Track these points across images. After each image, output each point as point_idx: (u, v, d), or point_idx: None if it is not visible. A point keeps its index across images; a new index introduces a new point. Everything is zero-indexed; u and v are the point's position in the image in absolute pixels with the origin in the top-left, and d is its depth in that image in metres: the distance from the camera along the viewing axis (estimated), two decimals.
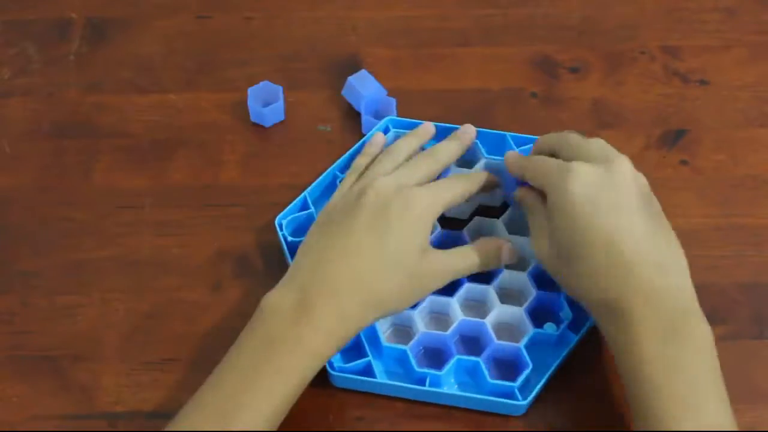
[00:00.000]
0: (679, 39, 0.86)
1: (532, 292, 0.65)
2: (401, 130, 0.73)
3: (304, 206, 0.71)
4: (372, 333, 0.64)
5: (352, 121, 0.78)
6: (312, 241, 0.62)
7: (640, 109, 0.80)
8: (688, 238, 0.70)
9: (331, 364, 0.62)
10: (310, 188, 0.71)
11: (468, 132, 0.70)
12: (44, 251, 0.71)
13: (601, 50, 0.84)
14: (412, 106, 0.77)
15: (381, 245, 0.60)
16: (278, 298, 0.59)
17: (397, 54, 0.84)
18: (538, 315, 0.65)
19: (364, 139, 0.74)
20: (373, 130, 0.74)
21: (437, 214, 0.63)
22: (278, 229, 0.69)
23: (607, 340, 0.59)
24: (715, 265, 0.70)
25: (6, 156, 0.77)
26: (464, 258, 0.64)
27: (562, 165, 0.61)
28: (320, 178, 0.72)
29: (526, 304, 0.65)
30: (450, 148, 0.68)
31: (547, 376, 0.62)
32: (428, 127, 0.71)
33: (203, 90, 0.81)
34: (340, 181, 0.69)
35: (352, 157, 0.72)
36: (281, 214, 0.69)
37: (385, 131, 0.74)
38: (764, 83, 0.82)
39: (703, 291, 0.68)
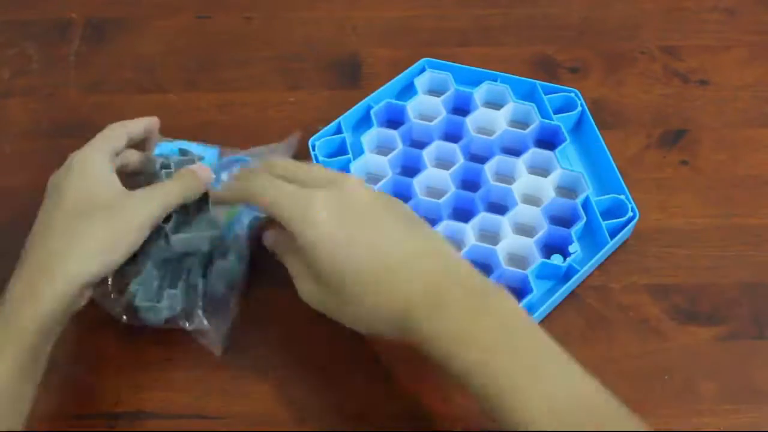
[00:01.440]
0: (679, 39, 0.86)
1: (545, 226, 0.68)
2: (436, 71, 0.78)
3: (338, 131, 0.75)
4: None
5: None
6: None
7: (640, 109, 0.80)
8: (688, 238, 0.71)
9: None
10: (344, 115, 0.75)
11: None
12: None
13: (601, 50, 0.84)
14: None
15: (60, 203, 0.60)
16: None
17: (397, 54, 0.84)
18: (548, 249, 0.69)
19: (399, 78, 0.78)
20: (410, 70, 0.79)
21: (110, 157, 0.63)
22: (311, 149, 0.72)
23: (419, 347, 0.55)
24: (715, 265, 0.70)
25: (6, 156, 0.77)
26: (165, 195, 0.62)
27: (298, 197, 0.58)
28: (355, 106, 0.75)
29: (536, 237, 0.68)
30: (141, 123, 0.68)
31: (548, 303, 0.66)
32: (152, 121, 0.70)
33: (203, 90, 0.81)
34: (372, 112, 0.75)
35: (387, 91, 0.77)
36: (315, 135, 0.73)
37: (421, 71, 0.79)
38: (764, 83, 0.82)
39: (703, 291, 0.68)
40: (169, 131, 0.78)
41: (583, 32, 0.86)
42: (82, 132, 0.78)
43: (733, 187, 0.75)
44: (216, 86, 0.82)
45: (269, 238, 0.63)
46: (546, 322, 0.67)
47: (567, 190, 0.72)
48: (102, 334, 0.66)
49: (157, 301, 0.62)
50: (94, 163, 0.62)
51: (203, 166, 0.65)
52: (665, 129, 0.79)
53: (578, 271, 0.67)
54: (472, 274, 0.56)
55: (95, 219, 0.58)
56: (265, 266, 0.67)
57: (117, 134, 0.65)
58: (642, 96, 0.81)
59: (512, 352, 0.52)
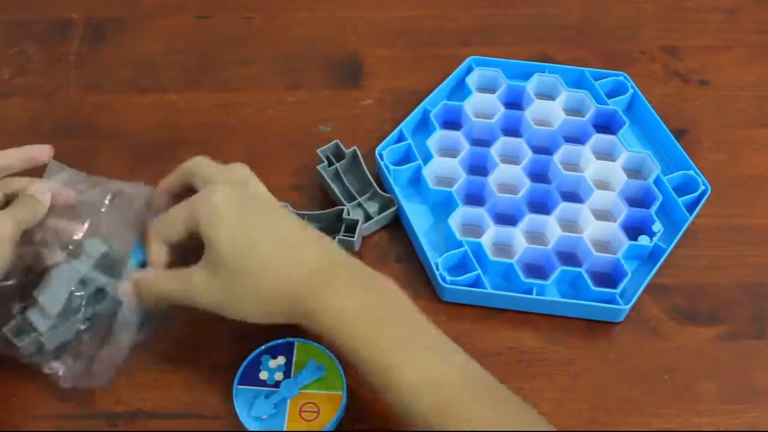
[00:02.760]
0: (679, 39, 0.86)
1: (624, 209, 0.69)
2: (485, 68, 0.79)
3: (400, 138, 0.75)
4: (478, 250, 0.68)
5: (353, 121, 0.78)
6: None
7: None
8: (688, 238, 0.71)
9: (443, 277, 0.67)
10: (405, 122, 0.75)
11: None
12: None
13: (601, 50, 0.84)
14: (412, 107, 0.77)
15: None
16: None
17: (397, 54, 0.84)
18: (629, 231, 0.69)
19: (449, 80, 0.79)
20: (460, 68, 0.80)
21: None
22: (379, 158, 0.73)
23: (309, 325, 0.58)
24: (715, 265, 0.70)
25: None
26: (14, 216, 0.62)
27: (207, 187, 0.61)
28: (413, 113, 0.76)
29: (619, 220, 0.69)
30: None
31: (645, 283, 0.67)
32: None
33: (203, 90, 0.81)
34: (432, 115, 0.76)
35: (440, 93, 0.78)
36: (381, 145, 0.73)
37: (469, 70, 0.80)
38: (764, 83, 0.82)
39: (703, 291, 0.68)
40: (169, 131, 0.78)
41: (583, 32, 0.86)
42: (82, 132, 0.79)
43: (733, 187, 0.75)
44: (216, 86, 0.82)
45: (131, 282, 0.62)
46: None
47: (635, 171, 0.73)
48: None
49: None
50: None
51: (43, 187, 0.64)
52: None
53: (665, 249, 0.68)
54: (355, 260, 0.60)
55: None
56: None
57: None
58: (642, 96, 0.81)
59: (395, 327, 0.57)
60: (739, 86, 0.82)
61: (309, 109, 0.80)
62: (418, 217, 0.71)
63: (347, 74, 0.82)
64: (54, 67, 0.83)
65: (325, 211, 0.70)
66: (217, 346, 0.65)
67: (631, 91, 0.78)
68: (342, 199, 0.71)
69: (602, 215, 0.70)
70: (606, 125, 0.76)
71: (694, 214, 0.71)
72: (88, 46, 0.85)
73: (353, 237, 0.68)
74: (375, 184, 0.72)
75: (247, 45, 0.85)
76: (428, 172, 0.72)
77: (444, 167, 0.73)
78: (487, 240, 0.68)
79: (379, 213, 0.71)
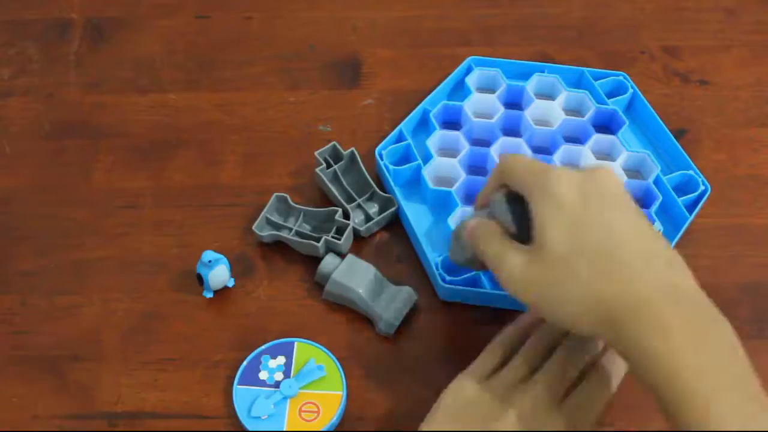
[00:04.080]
0: (679, 39, 0.86)
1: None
2: (485, 68, 0.79)
3: (400, 138, 0.75)
4: None
5: (353, 121, 0.78)
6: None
7: None
8: (688, 238, 0.70)
9: (442, 277, 0.66)
10: (404, 122, 0.75)
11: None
12: (44, 251, 0.71)
13: (601, 50, 0.84)
14: (412, 107, 0.77)
15: None
16: None
17: (397, 54, 0.84)
18: None
19: (449, 80, 0.79)
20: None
21: None
22: (379, 158, 0.72)
23: (628, 356, 0.51)
24: (715, 265, 0.70)
25: (6, 156, 0.77)
26: None
27: (544, 167, 0.56)
28: (413, 113, 0.76)
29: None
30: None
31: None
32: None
33: (203, 90, 0.81)
34: (431, 115, 0.75)
35: (440, 93, 0.78)
36: (380, 145, 0.73)
37: (468, 71, 0.79)
38: (764, 83, 0.82)
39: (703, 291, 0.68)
40: (169, 131, 0.78)
41: (583, 32, 0.86)
42: (82, 132, 0.79)
43: (732, 187, 0.75)
44: (216, 86, 0.82)
45: (470, 223, 0.60)
46: None
47: (635, 171, 0.74)
48: (102, 333, 0.66)
49: None
50: None
51: None
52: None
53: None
54: (699, 295, 0.52)
55: None
56: None
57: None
58: (642, 96, 0.81)
59: (728, 395, 0.48)
60: (739, 86, 0.82)
61: (309, 109, 0.80)
62: (418, 217, 0.71)
63: (347, 74, 0.82)
64: (54, 67, 0.83)
65: (319, 209, 0.70)
66: (217, 346, 0.65)
67: (630, 91, 0.78)
68: (341, 201, 0.71)
69: None
70: (606, 125, 0.76)
71: (694, 213, 0.71)
72: (88, 46, 0.85)
73: (340, 240, 0.68)
74: (374, 185, 0.72)
75: (246, 45, 0.85)
76: (428, 172, 0.72)
77: (444, 167, 0.73)
78: None
79: (380, 213, 0.71)
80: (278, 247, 0.70)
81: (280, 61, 0.84)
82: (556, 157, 0.73)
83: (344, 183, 0.72)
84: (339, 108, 0.80)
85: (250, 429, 0.60)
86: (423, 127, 0.77)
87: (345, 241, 0.68)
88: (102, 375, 0.64)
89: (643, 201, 0.72)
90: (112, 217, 0.73)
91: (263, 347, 0.63)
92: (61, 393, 0.63)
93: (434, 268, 0.67)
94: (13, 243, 0.71)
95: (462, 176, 0.72)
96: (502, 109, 0.76)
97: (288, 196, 0.70)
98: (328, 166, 0.73)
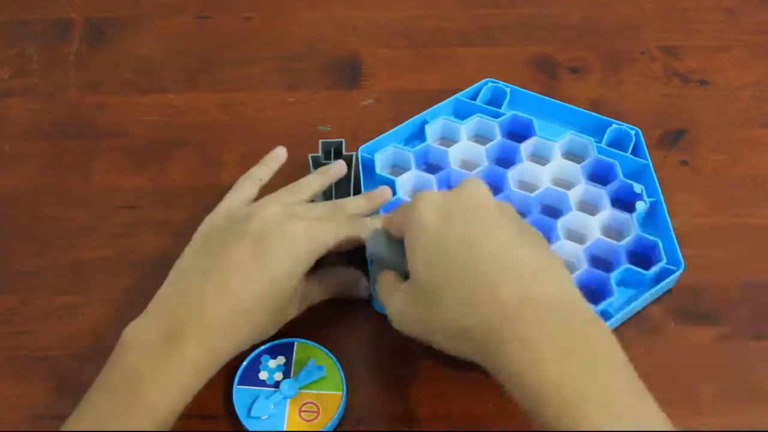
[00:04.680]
0: (679, 39, 0.86)
1: (583, 266, 0.66)
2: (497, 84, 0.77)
3: (386, 141, 0.74)
4: None
5: (353, 121, 0.78)
6: (184, 265, 0.60)
7: (640, 109, 0.80)
8: (688, 238, 0.70)
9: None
10: (398, 127, 0.74)
11: (336, 170, 0.68)
12: (44, 251, 0.71)
13: (601, 50, 0.84)
14: (412, 106, 0.77)
15: (260, 278, 0.58)
16: (142, 329, 0.56)
17: (397, 54, 0.84)
18: (587, 291, 0.63)
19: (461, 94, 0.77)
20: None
21: (317, 254, 0.60)
22: (360, 158, 0.72)
23: (499, 378, 0.50)
24: (715, 265, 0.70)
25: (6, 156, 0.77)
26: (326, 289, 0.64)
27: (414, 199, 0.56)
28: (411, 120, 0.75)
29: (574, 274, 0.66)
30: (358, 202, 0.66)
31: (627, 310, 0.65)
32: (339, 166, 0.69)
33: (203, 90, 0.81)
34: (427, 126, 0.74)
35: (443, 106, 0.76)
36: (366, 145, 0.73)
37: (478, 90, 0.77)
38: (764, 83, 0.82)
39: (703, 291, 0.68)
40: (169, 131, 0.78)
41: (583, 32, 0.86)
42: (82, 132, 0.79)
43: (733, 187, 0.75)
44: (216, 86, 0.82)
45: (377, 283, 0.61)
46: None
47: (640, 256, 0.68)
48: (102, 333, 0.66)
49: None
50: (304, 262, 0.60)
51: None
52: (665, 129, 0.79)
53: (612, 316, 0.64)
54: (565, 303, 0.51)
55: (274, 314, 0.60)
56: None
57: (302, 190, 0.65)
58: (642, 96, 0.81)
59: (604, 405, 0.47)
60: (739, 86, 0.82)
61: (309, 109, 0.80)
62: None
63: (347, 74, 0.82)
64: (54, 67, 0.83)
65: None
66: None
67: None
68: (321, 195, 0.71)
69: (591, 295, 0.65)
70: (603, 177, 0.72)
71: (658, 289, 0.66)
72: (87, 46, 0.85)
73: None
74: (351, 193, 0.71)
75: (246, 45, 0.85)
76: (401, 181, 0.71)
77: (421, 181, 0.71)
78: None
79: None
80: None
81: (280, 61, 0.84)
82: (536, 196, 0.70)
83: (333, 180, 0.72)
84: (339, 108, 0.80)
85: (250, 429, 0.60)
86: (421, 137, 0.75)
87: None
88: None
89: (612, 265, 0.67)
90: (112, 217, 0.73)
91: (263, 347, 0.63)
92: (61, 393, 0.63)
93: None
94: (13, 243, 0.71)
95: (413, 169, 0.71)
96: (499, 136, 0.73)
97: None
98: (327, 158, 0.73)
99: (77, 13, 0.88)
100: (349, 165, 0.71)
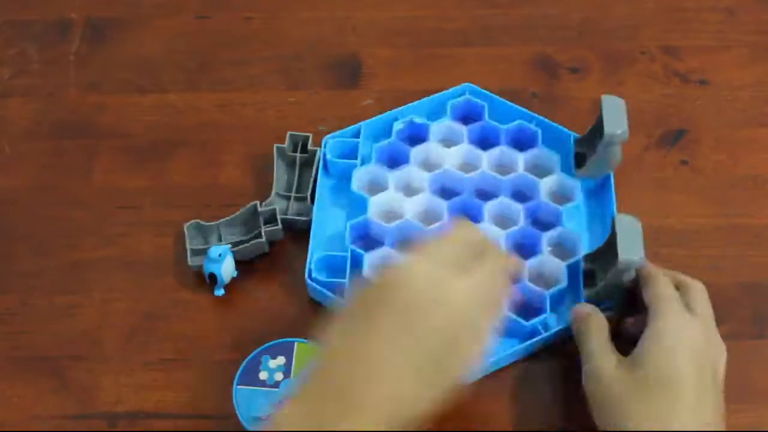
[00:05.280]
0: (679, 39, 0.86)
1: (522, 282, 0.66)
2: (474, 98, 0.76)
3: (355, 135, 0.74)
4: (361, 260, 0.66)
5: (353, 121, 0.78)
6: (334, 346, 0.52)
7: (640, 109, 0.80)
8: (688, 238, 0.71)
9: (310, 272, 0.66)
10: (367, 121, 0.74)
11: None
12: (44, 251, 0.71)
13: (601, 50, 0.84)
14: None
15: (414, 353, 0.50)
16: (288, 420, 0.49)
17: (397, 54, 0.84)
18: (522, 306, 0.65)
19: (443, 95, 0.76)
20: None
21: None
22: (323, 146, 0.72)
23: None
24: (715, 265, 0.70)
25: (6, 156, 0.77)
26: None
27: (678, 305, 0.60)
28: (381, 116, 0.75)
29: (569, 260, 0.67)
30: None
31: (506, 360, 0.64)
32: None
33: (203, 90, 0.81)
34: (395, 125, 0.74)
35: (419, 105, 0.75)
36: (330, 134, 0.72)
37: (459, 95, 0.77)
38: (764, 83, 0.82)
39: None
40: (169, 131, 0.78)
41: (583, 32, 0.86)
42: (82, 132, 0.79)
43: (732, 187, 0.75)
44: (216, 86, 0.82)
45: (584, 311, 0.63)
46: None
47: (563, 248, 0.69)
48: (102, 333, 0.66)
49: None
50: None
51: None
52: (665, 129, 0.79)
53: (541, 333, 0.64)
54: None
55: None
56: None
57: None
58: (642, 96, 0.81)
59: None
60: (739, 86, 0.82)
61: (308, 109, 0.80)
62: (330, 216, 0.71)
63: (347, 74, 0.82)
64: (54, 67, 0.83)
65: (233, 215, 0.70)
66: (217, 346, 0.65)
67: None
68: (278, 184, 0.72)
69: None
70: (563, 195, 0.72)
71: None
72: (87, 46, 0.85)
73: (278, 225, 0.68)
74: (311, 192, 0.71)
75: (247, 45, 0.85)
76: (358, 174, 0.71)
77: (377, 175, 0.72)
78: (373, 256, 0.66)
79: (295, 214, 0.71)
80: (278, 247, 0.70)
81: (280, 61, 0.84)
82: (491, 205, 0.70)
83: (295, 173, 0.73)
84: (339, 108, 0.80)
85: (250, 429, 0.60)
86: (385, 134, 0.75)
87: (279, 227, 0.69)
88: (102, 375, 0.64)
89: (554, 280, 0.67)
90: (112, 217, 0.73)
91: (263, 347, 0.63)
92: (61, 393, 0.63)
93: (308, 263, 0.66)
94: (13, 243, 0.71)
95: (389, 188, 0.70)
96: (466, 142, 0.73)
97: (197, 221, 0.69)
98: (295, 150, 0.73)
99: (77, 13, 0.88)
100: (312, 159, 0.73)
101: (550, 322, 0.65)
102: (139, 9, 0.88)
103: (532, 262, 0.67)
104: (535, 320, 0.64)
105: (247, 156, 0.76)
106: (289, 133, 0.73)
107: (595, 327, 0.61)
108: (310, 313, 0.67)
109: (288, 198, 0.72)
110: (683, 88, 0.82)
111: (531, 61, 0.83)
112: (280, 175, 0.73)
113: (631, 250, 0.61)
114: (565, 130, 0.74)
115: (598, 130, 0.70)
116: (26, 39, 0.86)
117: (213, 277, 0.66)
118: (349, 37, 0.86)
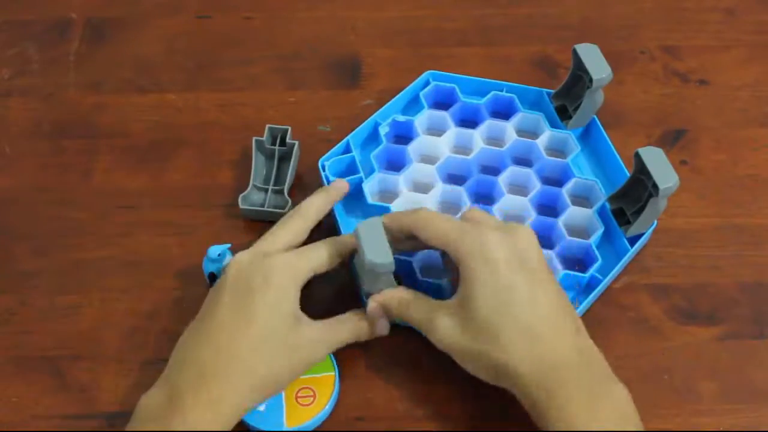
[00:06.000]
0: (679, 39, 0.86)
1: (563, 238, 0.68)
2: (442, 83, 0.77)
3: (347, 150, 0.73)
4: (407, 267, 0.66)
5: (352, 121, 0.78)
6: (184, 337, 0.60)
7: (640, 109, 0.80)
8: (688, 238, 0.71)
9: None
10: (352, 133, 0.74)
11: (337, 187, 0.68)
12: (44, 251, 0.71)
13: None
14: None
15: (245, 325, 0.57)
16: (148, 398, 0.56)
17: (397, 54, 0.84)
18: (568, 260, 0.68)
19: (404, 93, 0.77)
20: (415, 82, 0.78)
21: (302, 280, 0.60)
22: (321, 170, 0.71)
23: (525, 405, 0.56)
24: (715, 265, 0.70)
25: (6, 156, 0.77)
26: (339, 332, 0.61)
27: (474, 233, 0.59)
28: (363, 124, 0.74)
29: (556, 249, 0.67)
30: (316, 203, 0.66)
31: (614, 271, 0.67)
32: (340, 184, 0.68)
33: (203, 90, 0.81)
34: (381, 128, 0.74)
35: (392, 105, 0.76)
36: (324, 156, 0.72)
37: (426, 84, 0.77)
38: (764, 83, 0.82)
39: (703, 291, 0.68)
40: (169, 131, 0.78)
41: (582, 32, 0.86)
42: (82, 132, 0.79)
43: (732, 187, 0.75)
44: (216, 86, 0.82)
45: (383, 300, 0.62)
46: None
47: (582, 198, 0.72)
48: (102, 333, 0.66)
49: None
50: (289, 293, 0.59)
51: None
52: (665, 129, 0.79)
53: (601, 281, 0.66)
54: (597, 359, 0.57)
55: (273, 360, 0.58)
56: None
57: (298, 229, 0.64)
58: (642, 96, 0.81)
59: None
60: (739, 86, 0.82)
61: (308, 109, 0.80)
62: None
63: (347, 74, 0.82)
64: (54, 67, 0.83)
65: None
66: None
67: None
68: (256, 176, 0.73)
69: (542, 242, 0.65)
70: (559, 149, 0.74)
71: (637, 245, 0.69)
72: (87, 46, 0.85)
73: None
74: (288, 185, 0.72)
75: (247, 45, 0.85)
76: (369, 186, 0.71)
77: (386, 182, 0.72)
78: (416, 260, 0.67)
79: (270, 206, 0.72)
80: None
81: (280, 61, 0.84)
82: (502, 178, 0.71)
83: (274, 165, 0.73)
84: (339, 108, 0.80)
85: (251, 424, 0.60)
86: (376, 140, 0.75)
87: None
88: (102, 375, 0.64)
89: (587, 230, 0.70)
90: (112, 217, 0.73)
91: None
92: (61, 393, 0.63)
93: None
94: (13, 243, 0.71)
95: (403, 192, 0.70)
96: (452, 126, 0.74)
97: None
98: (273, 143, 0.74)
99: (77, 13, 0.88)
100: (290, 153, 0.73)
101: (604, 269, 0.67)
102: (139, 9, 0.88)
103: (563, 218, 0.69)
104: (591, 270, 0.66)
105: (247, 156, 0.76)
106: (267, 125, 0.73)
107: (400, 305, 0.61)
108: (310, 312, 0.67)
109: (266, 191, 0.72)
110: (683, 88, 0.82)
111: (531, 60, 0.83)
112: (258, 167, 0.73)
113: (665, 177, 0.64)
114: (536, 88, 0.77)
115: (575, 80, 0.73)
116: (26, 39, 0.86)
117: (213, 277, 0.66)
118: (349, 37, 0.86)
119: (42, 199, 0.74)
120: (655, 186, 0.65)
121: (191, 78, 0.82)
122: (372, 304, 0.62)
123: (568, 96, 0.75)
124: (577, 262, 0.68)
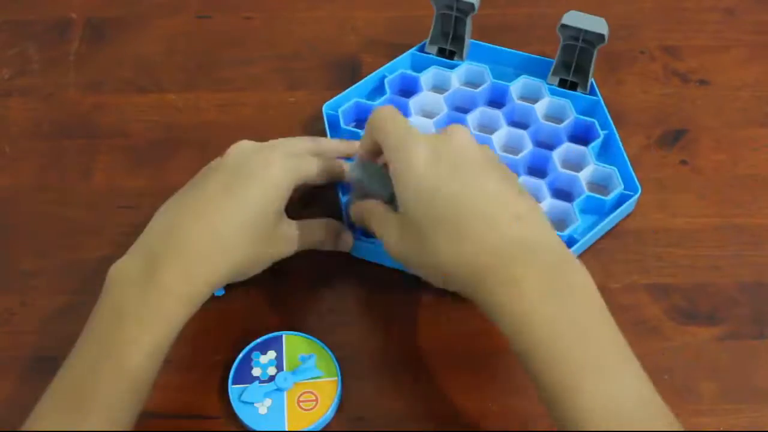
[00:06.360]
0: (679, 39, 0.86)
1: (576, 221, 0.68)
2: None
3: (349, 97, 0.76)
4: None
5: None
6: (167, 205, 0.61)
7: (640, 109, 0.80)
8: (688, 238, 0.71)
9: (360, 233, 0.67)
10: (357, 84, 0.77)
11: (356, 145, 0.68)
12: (44, 251, 0.71)
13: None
14: None
15: (236, 205, 0.58)
16: (124, 265, 0.57)
17: (397, 54, 0.84)
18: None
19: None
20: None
21: (294, 182, 0.61)
22: (326, 116, 0.74)
23: (486, 311, 0.54)
24: (715, 265, 0.70)
25: (6, 156, 0.77)
26: (312, 233, 0.64)
27: (407, 130, 0.58)
28: (369, 76, 0.78)
29: (570, 229, 0.68)
30: (334, 143, 0.69)
31: (593, 233, 0.68)
32: (354, 146, 0.69)
33: (203, 90, 0.82)
34: (387, 81, 0.77)
35: (400, 60, 0.79)
36: (328, 103, 0.75)
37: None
38: (764, 83, 0.82)
39: (703, 291, 0.68)
40: (169, 131, 0.78)
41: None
42: (82, 132, 0.79)
43: (732, 187, 0.75)
44: (216, 86, 0.82)
45: (355, 209, 0.64)
46: None
47: (601, 186, 0.73)
48: None
49: None
50: (283, 187, 0.61)
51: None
52: (665, 129, 0.79)
53: (577, 241, 0.67)
54: (548, 246, 0.55)
55: (253, 246, 0.59)
56: None
57: (305, 146, 0.66)
58: (642, 96, 0.81)
59: (580, 342, 0.51)
60: (739, 86, 0.82)
61: (309, 109, 0.80)
62: None
63: (347, 74, 0.82)
64: (54, 67, 0.83)
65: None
66: (216, 346, 0.65)
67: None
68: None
69: (557, 225, 0.67)
70: (581, 136, 0.75)
71: (620, 213, 0.70)
72: (87, 46, 0.85)
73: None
74: None
75: (246, 45, 0.85)
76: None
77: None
78: None
79: None
80: None
81: (280, 61, 0.84)
82: (521, 157, 0.72)
83: None
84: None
85: (252, 427, 0.60)
86: (380, 93, 0.78)
87: None
88: None
89: (573, 195, 0.71)
90: (112, 217, 0.73)
91: (252, 344, 0.63)
92: None
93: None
94: (13, 243, 0.71)
95: None
96: (457, 84, 0.77)
97: None
98: None
99: (77, 13, 0.88)
100: None
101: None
102: (139, 9, 0.88)
103: (557, 152, 0.72)
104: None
105: None
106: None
107: (367, 215, 0.62)
108: (310, 312, 0.67)
109: None
110: (683, 88, 0.82)
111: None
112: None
113: (597, 25, 0.73)
114: (548, 59, 0.79)
115: (570, 51, 0.77)
116: (26, 39, 0.86)
117: None
118: (349, 37, 0.86)
119: (42, 199, 0.74)
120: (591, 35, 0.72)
121: (191, 78, 0.82)
122: (353, 209, 0.64)
123: (568, 67, 0.78)
124: (558, 224, 0.70)
